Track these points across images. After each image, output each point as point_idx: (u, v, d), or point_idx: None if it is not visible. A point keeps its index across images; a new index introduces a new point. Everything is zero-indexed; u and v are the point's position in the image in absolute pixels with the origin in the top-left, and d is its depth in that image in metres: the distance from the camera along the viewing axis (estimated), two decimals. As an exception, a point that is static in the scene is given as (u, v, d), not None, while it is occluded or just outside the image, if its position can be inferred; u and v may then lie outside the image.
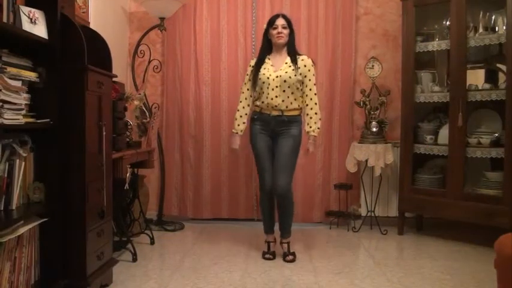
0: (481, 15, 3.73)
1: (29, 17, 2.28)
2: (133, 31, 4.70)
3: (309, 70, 3.46)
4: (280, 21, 3.43)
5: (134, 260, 3.37)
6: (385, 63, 4.38)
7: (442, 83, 4.09)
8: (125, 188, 3.56)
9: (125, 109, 3.45)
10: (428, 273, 3.16)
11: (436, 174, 4.09)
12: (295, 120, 3.45)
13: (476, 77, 3.81)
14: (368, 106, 4.26)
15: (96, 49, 2.75)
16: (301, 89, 3.45)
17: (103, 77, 2.72)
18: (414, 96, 4.06)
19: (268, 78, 3.41)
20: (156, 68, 4.37)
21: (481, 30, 3.72)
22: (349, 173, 4.40)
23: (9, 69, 2.14)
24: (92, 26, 3.50)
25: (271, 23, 3.46)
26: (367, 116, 4.28)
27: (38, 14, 2.35)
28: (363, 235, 4.18)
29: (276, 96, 3.39)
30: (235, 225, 4.49)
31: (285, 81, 3.39)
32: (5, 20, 2.13)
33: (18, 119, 2.22)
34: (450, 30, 3.82)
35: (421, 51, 4.06)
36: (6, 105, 2.12)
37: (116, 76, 3.01)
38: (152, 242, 3.86)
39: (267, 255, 3.48)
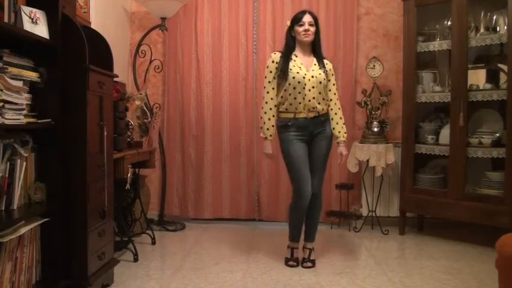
0: (482, 15, 3.72)
1: (30, 17, 2.28)
2: (135, 31, 4.71)
3: (332, 74, 3.36)
4: (308, 18, 3.22)
5: (135, 260, 3.37)
6: (386, 63, 4.38)
7: (443, 83, 4.09)
8: (126, 188, 3.55)
9: (126, 109, 3.46)
10: (430, 273, 3.16)
11: (437, 174, 4.08)
12: (328, 118, 3.31)
13: (477, 77, 3.80)
14: (369, 106, 4.26)
15: (97, 49, 2.75)
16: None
17: (104, 77, 2.72)
18: (415, 96, 4.06)
19: (304, 78, 3.18)
20: (157, 68, 4.38)
21: (482, 30, 3.72)
22: (350, 173, 4.39)
23: (10, 69, 2.15)
24: (93, 26, 3.49)
25: (297, 19, 3.24)
26: (368, 116, 4.28)
27: (39, 14, 2.35)
28: (364, 235, 4.18)
29: (314, 98, 3.20)
30: (237, 225, 4.49)
31: (320, 82, 3.22)
32: (6, 20, 2.14)
33: (20, 119, 2.22)
34: (451, 30, 3.81)
35: (422, 51, 4.06)
36: (7, 105, 2.12)
37: (117, 76, 3.02)
38: (153, 242, 3.86)
39: (291, 262, 3.34)
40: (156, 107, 4.31)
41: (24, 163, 2.31)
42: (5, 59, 2.13)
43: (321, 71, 3.26)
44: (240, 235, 4.13)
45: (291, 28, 3.31)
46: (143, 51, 4.33)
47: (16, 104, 2.19)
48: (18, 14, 2.23)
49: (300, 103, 3.21)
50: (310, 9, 4.45)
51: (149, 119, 3.96)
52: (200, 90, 4.58)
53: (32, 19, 2.29)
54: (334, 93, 3.36)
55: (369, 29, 4.59)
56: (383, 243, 3.96)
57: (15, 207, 2.25)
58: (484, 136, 3.73)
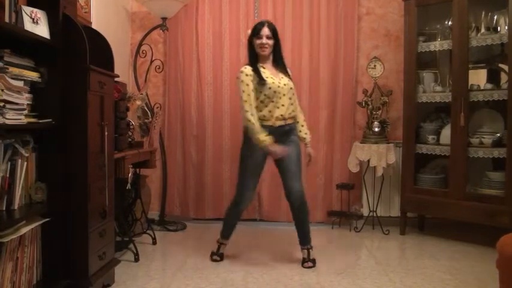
0: (483, 15, 3.72)
1: (31, 17, 2.28)
2: (136, 31, 4.71)
3: (292, 81, 3.41)
4: (265, 32, 3.21)
5: (136, 260, 3.38)
6: (387, 63, 4.38)
7: (444, 83, 4.09)
8: (127, 188, 3.56)
9: (127, 109, 3.46)
10: (430, 273, 3.16)
11: (438, 174, 4.08)
12: (293, 128, 3.37)
13: (478, 77, 3.80)
14: (370, 106, 4.26)
15: (98, 49, 2.75)
16: None
17: (105, 77, 2.73)
18: (416, 96, 4.06)
19: (279, 86, 3.22)
20: (158, 68, 4.38)
21: (483, 30, 3.72)
22: (351, 173, 4.40)
23: (11, 69, 2.15)
24: (94, 26, 3.50)
25: (255, 31, 3.25)
26: (369, 116, 4.28)
27: (40, 14, 2.35)
28: (364, 235, 4.18)
29: (283, 105, 3.24)
30: (237, 225, 4.46)
31: (291, 88, 3.29)
32: (7, 20, 2.14)
33: (20, 119, 2.22)
34: (452, 30, 3.81)
35: (423, 51, 4.06)
36: (8, 105, 2.12)
37: (118, 76, 3.02)
38: (154, 242, 3.87)
39: (215, 257, 3.44)
40: (157, 107, 4.31)
41: (25, 163, 2.31)
42: (5, 59, 2.13)
43: (288, 79, 3.32)
44: (241, 235, 4.12)
45: (251, 39, 3.30)
46: (144, 51, 4.34)
47: (17, 104, 2.19)
48: (19, 14, 2.23)
49: (269, 111, 3.22)
50: (311, 9, 4.50)
51: (150, 119, 3.96)
52: (201, 90, 4.59)
53: (33, 19, 2.29)
54: (296, 97, 3.42)
55: (369, 29, 4.59)
56: (384, 243, 3.96)
57: (16, 207, 2.25)
58: (484, 136, 3.73)
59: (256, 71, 3.22)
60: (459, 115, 3.72)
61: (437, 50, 4.02)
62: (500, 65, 3.73)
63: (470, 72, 3.75)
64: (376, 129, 4.21)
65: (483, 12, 3.72)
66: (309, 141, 3.47)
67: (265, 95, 3.20)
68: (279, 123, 3.26)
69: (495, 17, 3.70)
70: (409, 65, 4.06)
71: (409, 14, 4.02)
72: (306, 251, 3.38)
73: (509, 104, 3.47)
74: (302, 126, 3.44)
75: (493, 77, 3.76)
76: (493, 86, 3.70)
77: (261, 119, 3.21)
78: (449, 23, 3.88)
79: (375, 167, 4.15)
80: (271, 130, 3.22)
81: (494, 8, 3.71)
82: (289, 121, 3.32)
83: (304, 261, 3.34)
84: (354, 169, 4.26)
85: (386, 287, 2.92)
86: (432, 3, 3.97)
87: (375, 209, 4.29)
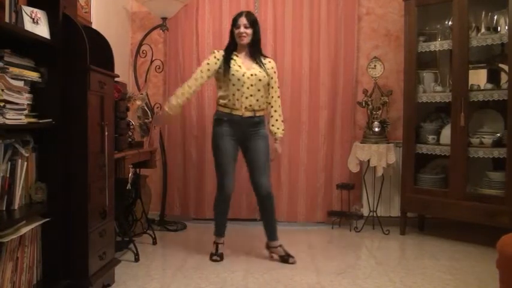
0: (483, 15, 3.72)
1: (31, 17, 2.28)
2: (136, 31, 4.71)
3: (275, 72, 3.46)
4: (243, 21, 3.32)
5: (136, 260, 3.38)
6: (387, 63, 4.38)
7: (444, 83, 4.09)
8: (127, 188, 3.56)
9: (127, 109, 3.46)
10: (431, 273, 3.16)
11: (438, 174, 4.08)
12: (263, 120, 3.43)
13: (478, 77, 3.80)
14: (370, 106, 4.26)
15: (98, 49, 2.75)
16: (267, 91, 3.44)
17: (105, 77, 2.73)
18: (416, 96, 4.06)
19: (243, 75, 3.30)
20: (158, 68, 4.38)
21: (483, 30, 3.72)
22: (351, 173, 4.40)
23: (11, 69, 2.15)
24: (94, 26, 3.50)
25: (234, 22, 3.37)
26: (369, 116, 4.28)
27: (40, 14, 2.35)
28: (365, 235, 4.18)
29: (251, 95, 3.32)
30: (238, 225, 4.48)
31: (260, 80, 3.33)
32: (7, 20, 2.14)
33: (21, 119, 2.22)
34: (452, 30, 3.81)
35: (423, 51, 4.06)
36: (8, 105, 2.12)
37: (118, 76, 3.02)
38: (154, 242, 3.87)
39: (215, 257, 3.43)
40: (157, 107, 4.31)
41: (25, 163, 2.31)
42: (6, 59, 2.13)
43: (261, 70, 3.36)
44: (241, 235, 4.13)
45: (231, 29, 3.41)
46: (144, 51, 4.34)
47: (17, 104, 2.19)
48: (19, 14, 2.23)
49: (237, 100, 3.31)
50: (311, 9, 4.50)
51: (150, 119, 3.96)
52: (201, 90, 4.57)
53: (33, 19, 2.29)
54: (276, 91, 3.45)
55: (369, 29, 4.59)
56: (384, 243, 3.96)
57: (16, 207, 2.25)
58: (485, 136, 3.73)
59: (226, 58, 3.33)
60: (459, 115, 3.72)
61: (437, 50, 4.02)
62: (501, 65, 3.73)
63: (471, 72, 3.75)
64: (376, 129, 4.21)
65: (483, 12, 3.72)
66: (280, 137, 3.48)
67: (232, 82, 3.30)
68: (247, 113, 3.34)
69: (495, 17, 3.70)
70: (409, 65, 4.06)
71: (409, 14, 4.02)
72: (280, 248, 3.43)
73: (509, 104, 3.47)
74: (276, 120, 3.46)
75: (493, 77, 3.75)
76: (493, 86, 3.70)
77: (231, 108, 3.33)
78: (450, 23, 3.88)
79: (375, 167, 4.15)
80: (240, 120, 3.33)
81: (495, 8, 3.71)
82: (259, 113, 3.39)
83: (286, 258, 3.37)
84: (354, 169, 4.26)
85: (387, 287, 2.92)
86: (432, 3, 3.97)
87: (375, 209, 4.29)
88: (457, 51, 3.76)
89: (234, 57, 3.36)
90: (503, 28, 3.62)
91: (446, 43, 3.90)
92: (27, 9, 2.27)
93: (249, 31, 3.33)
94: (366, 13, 4.58)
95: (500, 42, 3.66)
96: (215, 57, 3.37)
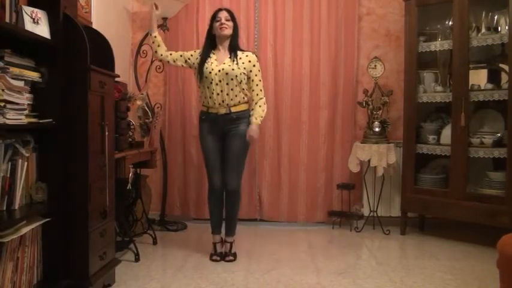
0: (483, 15, 3.72)
1: (31, 17, 2.28)
2: (136, 31, 4.71)
3: (254, 65, 3.42)
4: (224, 14, 3.38)
5: (137, 260, 3.38)
6: (387, 63, 4.38)
7: (445, 83, 4.09)
8: (128, 188, 3.56)
9: (128, 109, 3.46)
10: (431, 273, 3.16)
11: (439, 174, 4.08)
12: (243, 117, 3.41)
13: (478, 77, 3.80)
14: (370, 106, 4.26)
15: (99, 49, 2.76)
16: (247, 84, 3.42)
17: (105, 77, 2.73)
18: (417, 96, 4.06)
19: (210, 73, 3.34)
20: (159, 68, 4.37)
21: (483, 30, 3.72)
22: (351, 173, 4.39)
23: (11, 69, 2.15)
24: (94, 26, 3.50)
25: (214, 16, 3.41)
26: (369, 116, 4.28)
27: (40, 14, 2.35)
28: (365, 235, 4.18)
29: (222, 91, 3.34)
30: (238, 225, 4.45)
31: (227, 73, 3.32)
32: (7, 20, 2.14)
33: (21, 119, 2.22)
34: (453, 30, 3.81)
35: (424, 51, 4.06)
36: (8, 105, 2.12)
37: (119, 76, 3.02)
38: (155, 242, 3.87)
39: (215, 257, 3.45)
40: (158, 107, 4.31)
41: (26, 163, 2.31)
42: (6, 59, 2.13)
43: (233, 64, 3.35)
44: (242, 235, 4.12)
45: (210, 27, 3.45)
46: (144, 51, 4.33)
47: (17, 104, 2.19)
48: (20, 14, 2.23)
49: (210, 97, 3.38)
50: (312, 9, 4.50)
51: (150, 119, 3.96)
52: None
53: (34, 19, 2.29)
54: (257, 84, 3.43)
55: (370, 29, 4.59)
56: (384, 243, 3.96)
57: (16, 207, 2.25)
58: (485, 136, 3.73)
59: (203, 57, 3.40)
60: (460, 115, 3.72)
61: (437, 50, 4.02)
62: (501, 65, 3.73)
63: (471, 72, 3.75)
64: (377, 129, 4.21)
65: (484, 12, 3.72)
66: (255, 123, 3.36)
67: (203, 80, 3.38)
68: (222, 110, 3.38)
69: (495, 17, 3.70)
70: (409, 65, 4.06)
71: (409, 14, 4.02)
72: (228, 244, 3.50)
73: (509, 104, 3.47)
74: (255, 111, 3.40)
75: (494, 77, 3.75)
76: (494, 86, 3.70)
77: (207, 106, 3.42)
78: (450, 23, 3.88)
79: (375, 167, 4.15)
80: (216, 118, 3.39)
81: (495, 8, 3.71)
82: (236, 109, 3.39)
83: (226, 255, 3.44)
84: (355, 169, 4.26)
85: (387, 287, 2.92)
86: (433, 3, 3.97)
87: (375, 209, 4.29)
88: (458, 51, 3.76)
89: (211, 55, 3.42)
90: (503, 28, 3.62)
91: (447, 43, 3.90)
92: (27, 9, 2.28)
93: (230, 24, 3.38)
94: (366, 13, 4.58)
95: (501, 42, 3.66)
96: (194, 51, 3.54)
